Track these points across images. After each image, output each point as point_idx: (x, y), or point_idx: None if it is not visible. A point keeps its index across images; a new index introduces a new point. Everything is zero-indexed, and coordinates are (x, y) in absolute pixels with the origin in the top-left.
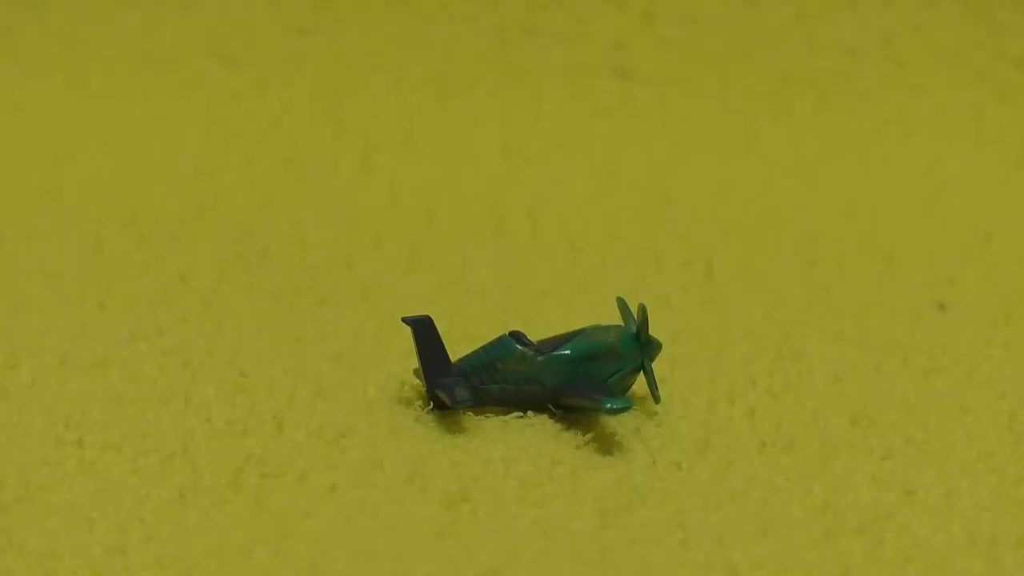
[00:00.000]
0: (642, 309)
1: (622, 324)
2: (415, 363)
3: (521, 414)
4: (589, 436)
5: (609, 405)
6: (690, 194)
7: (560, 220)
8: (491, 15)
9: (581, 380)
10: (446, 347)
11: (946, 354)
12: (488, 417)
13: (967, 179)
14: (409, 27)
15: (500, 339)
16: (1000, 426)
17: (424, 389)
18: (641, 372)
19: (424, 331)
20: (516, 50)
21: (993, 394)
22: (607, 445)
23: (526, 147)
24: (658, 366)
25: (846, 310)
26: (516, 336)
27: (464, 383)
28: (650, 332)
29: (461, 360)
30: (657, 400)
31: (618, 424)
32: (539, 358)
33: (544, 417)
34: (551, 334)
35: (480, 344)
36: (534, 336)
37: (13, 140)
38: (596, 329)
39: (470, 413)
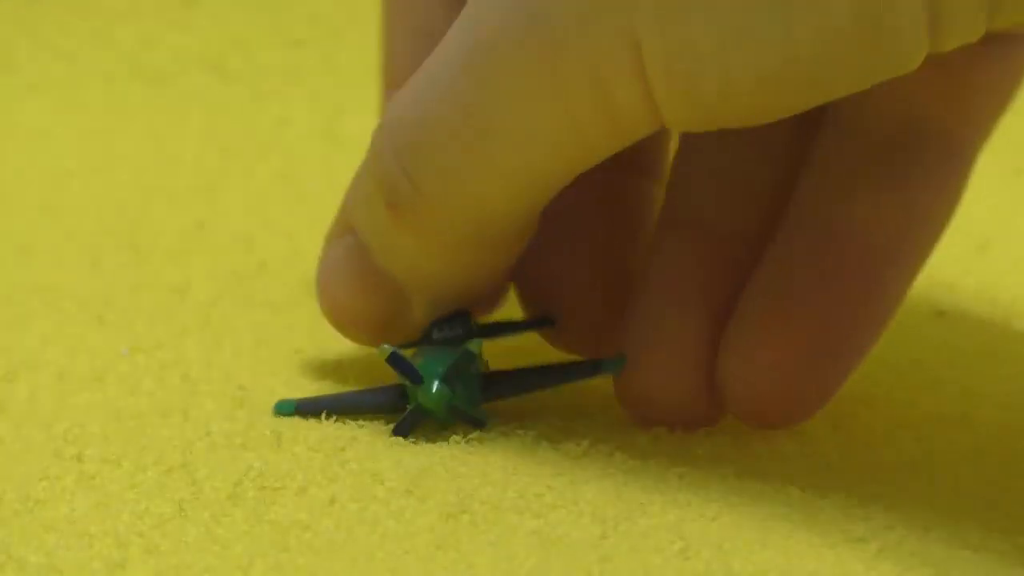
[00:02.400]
0: None
1: None
2: None
3: (520, 425)
4: (585, 445)
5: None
6: None
7: None
8: None
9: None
10: None
11: (944, 362)
12: (486, 429)
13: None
14: None
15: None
16: (1000, 436)
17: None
18: None
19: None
20: None
21: (992, 404)
22: (606, 455)
23: None
24: None
25: None
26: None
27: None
28: None
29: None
30: None
31: (616, 434)
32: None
33: (543, 426)
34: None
35: None
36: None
37: (10, 156)
38: None
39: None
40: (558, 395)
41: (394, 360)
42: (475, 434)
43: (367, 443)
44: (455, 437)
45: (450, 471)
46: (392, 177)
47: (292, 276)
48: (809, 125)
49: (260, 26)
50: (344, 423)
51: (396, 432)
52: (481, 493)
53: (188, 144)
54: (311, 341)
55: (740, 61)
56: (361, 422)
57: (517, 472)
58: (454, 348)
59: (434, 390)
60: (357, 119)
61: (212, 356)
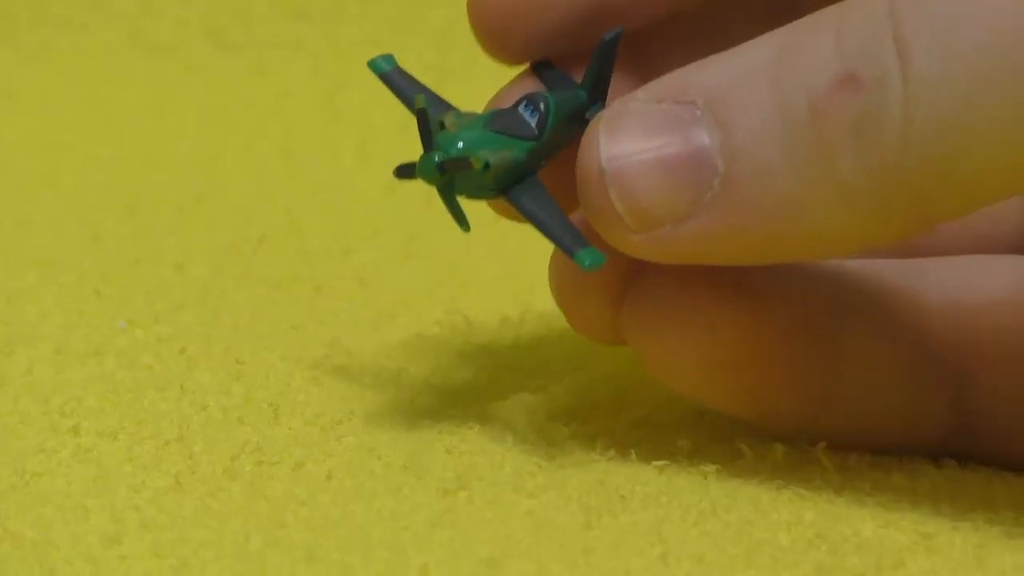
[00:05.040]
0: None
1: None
2: (410, 350)
3: (511, 401)
4: (574, 427)
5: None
6: None
7: None
8: None
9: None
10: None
11: None
12: (481, 404)
13: None
14: (407, 12)
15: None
16: None
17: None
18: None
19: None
20: None
21: None
22: (589, 439)
23: None
24: None
25: None
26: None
27: None
28: None
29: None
30: None
31: (598, 420)
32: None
33: (541, 399)
34: (548, 324)
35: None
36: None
37: (10, 127)
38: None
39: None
40: (547, 376)
41: (421, 117)
42: (473, 410)
43: (364, 417)
44: (451, 412)
45: (447, 447)
46: None
47: (291, 250)
48: None
49: None
50: (341, 397)
51: (398, 174)
52: (478, 470)
53: (188, 116)
54: (309, 316)
55: None
56: (358, 397)
57: (513, 450)
58: (512, 134)
59: (418, 167)
60: (358, 92)
61: (210, 330)
